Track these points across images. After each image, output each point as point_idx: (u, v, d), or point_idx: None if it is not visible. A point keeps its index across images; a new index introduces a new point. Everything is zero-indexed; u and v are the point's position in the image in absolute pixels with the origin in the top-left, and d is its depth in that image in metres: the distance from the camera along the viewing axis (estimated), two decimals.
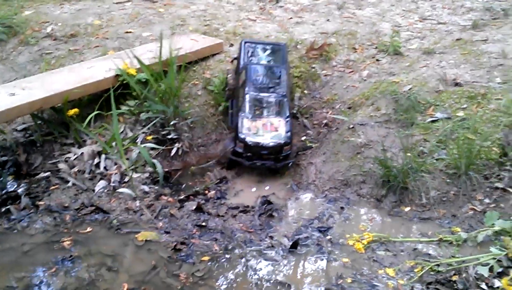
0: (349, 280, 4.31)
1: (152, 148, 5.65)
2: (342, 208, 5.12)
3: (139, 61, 5.80)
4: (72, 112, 5.71)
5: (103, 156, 5.65)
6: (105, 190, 5.38)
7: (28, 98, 5.43)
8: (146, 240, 4.78)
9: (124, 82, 5.87)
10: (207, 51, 6.64)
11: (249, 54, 6.04)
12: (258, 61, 5.98)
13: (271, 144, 5.38)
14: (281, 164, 5.56)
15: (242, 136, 5.40)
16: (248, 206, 5.23)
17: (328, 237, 4.78)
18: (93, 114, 5.69)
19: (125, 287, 4.23)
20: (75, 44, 7.19)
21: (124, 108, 5.83)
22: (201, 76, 6.39)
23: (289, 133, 5.47)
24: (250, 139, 5.38)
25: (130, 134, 5.81)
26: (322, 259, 4.55)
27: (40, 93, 5.53)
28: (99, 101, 5.88)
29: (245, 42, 6.11)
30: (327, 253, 4.61)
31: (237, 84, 5.99)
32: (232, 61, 6.59)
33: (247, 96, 5.55)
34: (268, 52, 6.06)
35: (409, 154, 5.20)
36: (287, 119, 5.51)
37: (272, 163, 5.50)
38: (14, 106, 5.31)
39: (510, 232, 4.41)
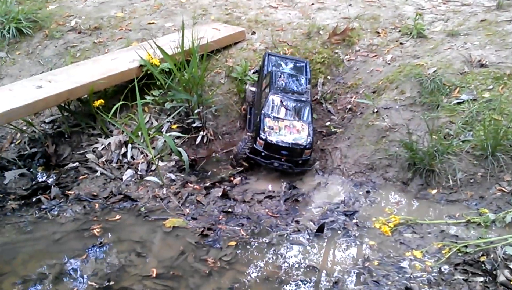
0: (376, 263, 4.33)
1: (177, 137, 5.72)
2: (368, 192, 5.13)
3: (162, 51, 5.84)
4: (98, 103, 5.79)
5: (129, 145, 5.73)
6: (133, 179, 5.47)
7: (55, 90, 5.54)
8: (173, 227, 4.85)
9: (148, 72, 5.93)
10: (229, 40, 6.67)
11: (272, 64, 5.89)
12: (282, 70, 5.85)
13: (292, 145, 5.23)
14: (298, 169, 5.40)
15: (263, 134, 5.24)
16: (273, 192, 5.26)
17: (354, 220, 4.80)
18: (118, 105, 5.77)
19: (154, 272, 4.31)
20: (99, 37, 7.27)
21: (148, 98, 5.89)
22: (223, 65, 6.42)
23: (310, 138, 5.31)
24: (271, 137, 5.24)
25: (155, 123, 5.88)
26: (349, 243, 4.58)
27: (66, 85, 5.63)
28: (124, 91, 5.97)
29: (269, 54, 5.99)
30: (354, 236, 4.63)
31: (260, 89, 5.89)
32: (254, 73, 6.38)
33: (270, 97, 5.42)
34: (291, 65, 5.96)
35: (435, 136, 5.19)
36: (310, 124, 5.39)
37: (289, 166, 5.32)
38: (41, 98, 5.41)
39: None
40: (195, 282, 4.26)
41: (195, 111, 5.82)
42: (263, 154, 5.25)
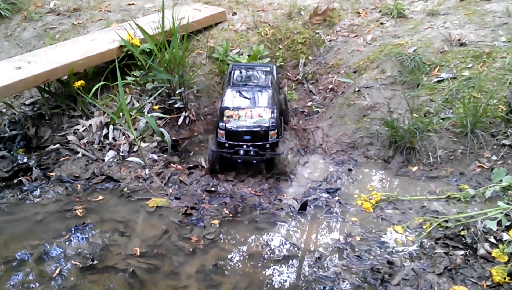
0: (358, 238, 4.39)
1: (159, 118, 5.72)
2: (350, 170, 5.18)
3: (143, 31, 5.81)
4: (78, 84, 5.75)
5: (111, 126, 5.72)
6: (115, 160, 5.46)
7: (34, 71, 5.49)
8: (156, 206, 4.87)
9: (129, 52, 5.90)
10: (210, 20, 6.65)
11: (237, 74, 5.43)
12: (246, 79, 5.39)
13: (254, 128, 4.89)
14: (267, 153, 4.98)
15: (222, 123, 4.93)
16: (256, 171, 5.27)
17: (337, 198, 4.85)
18: (99, 85, 5.74)
19: (137, 250, 4.33)
20: (78, 18, 7.22)
21: (129, 79, 5.87)
22: (205, 45, 6.41)
23: (274, 119, 4.92)
24: (230, 125, 4.92)
25: (136, 104, 5.87)
26: (331, 219, 4.62)
27: (46, 66, 5.59)
28: (105, 73, 5.94)
29: (233, 65, 5.58)
30: (336, 213, 4.68)
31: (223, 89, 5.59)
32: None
33: (228, 90, 5.12)
34: (256, 69, 5.53)
35: (415, 114, 5.24)
36: (273, 108, 4.98)
37: (256, 151, 4.93)
38: (20, 79, 5.36)
39: None
40: (179, 260, 4.29)
41: (177, 92, 5.80)
42: (226, 145, 4.96)
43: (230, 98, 5.05)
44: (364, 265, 4.13)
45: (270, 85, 5.17)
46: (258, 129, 4.87)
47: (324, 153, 5.43)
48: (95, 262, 4.28)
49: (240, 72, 5.40)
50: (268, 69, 5.49)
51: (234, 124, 4.91)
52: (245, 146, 4.93)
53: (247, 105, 5.00)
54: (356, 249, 4.27)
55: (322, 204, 4.78)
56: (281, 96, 5.63)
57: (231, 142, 4.93)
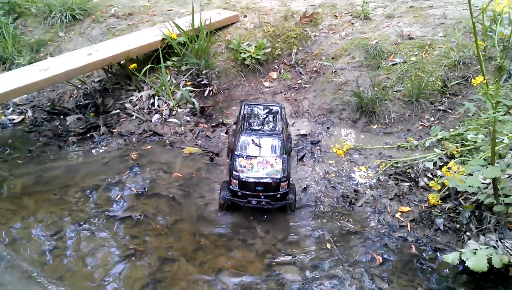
0: (333, 175, 4.44)
1: (191, 91, 5.71)
2: (328, 128, 5.20)
3: (179, 28, 5.79)
4: (132, 66, 5.74)
5: (156, 97, 5.71)
6: (159, 121, 5.48)
7: (101, 56, 5.47)
8: (190, 153, 4.92)
9: (168, 44, 5.87)
10: (227, 21, 6.58)
11: (247, 111, 4.63)
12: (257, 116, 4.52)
13: (266, 179, 3.90)
14: (278, 204, 3.97)
15: (236, 173, 3.96)
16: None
17: (318, 147, 4.88)
18: (147, 67, 5.72)
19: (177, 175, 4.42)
20: (132, 20, 7.15)
21: (169, 63, 5.85)
22: (223, 39, 6.36)
23: (285, 170, 3.96)
24: (244, 175, 3.94)
25: (174, 81, 5.85)
26: (314, 162, 4.66)
27: (109, 52, 5.57)
28: (151, 58, 5.92)
29: (245, 104, 4.75)
30: (318, 157, 4.72)
31: (235, 136, 4.51)
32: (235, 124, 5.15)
33: (241, 137, 4.14)
34: (265, 110, 4.62)
35: (376, 88, 5.23)
36: (284, 157, 4.04)
37: (268, 201, 3.92)
38: (91, 62, 5.36)
39: (449, 139, 4.48)
40: (206, 189, 4.38)
41: (203, 72, 5.79)
42: (239, 193, 3.98)
43: (244, 145, 4.11)
44: (337, 193, 4.19)
45: (281, 131, 4.22)
46: (270, 181, 3.90)
47: (309, 116, 5.43)
48: (146, 190, 4.36)
49: (252, 117, 4.45)
50: (277, 109, 4.62)
51: (247, 174, 3.93)
52: (258, 197, 3.96)
53: (260, 154, 4.07)
54: (332, 182, 4.33)
55: (308, 151, 4.82)
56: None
57: (243, 192, 3.96)
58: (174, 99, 5.61)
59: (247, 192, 3.94)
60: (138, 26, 6.95)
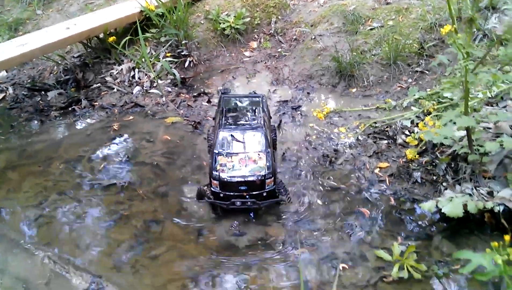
0: (314, 137, 4.50)
1: (171, 62, 5.68)
2: (308, 93, 5.23)
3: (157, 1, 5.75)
4: (111, 39, 5.70)
5: (136, 70, 5.68)
6: (140, 92, 5.47)
7: (78, 29, 5.43)
8: (172, 122, 4.92)
9: (147, 16, 5.83)
10: None
11: (226, 104, 4.21)
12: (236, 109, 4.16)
13: (250, 177, 3.50)
14: (265, 203, 3.59)
15: (216, 173, 3.54)
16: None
17: (299, 112, 4.92)
18: (126, 39, 5.66)
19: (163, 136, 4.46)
20: None
21: (148, 35, 5.81)
22: (202, 10, 6.32)
23: (270, 165, 3.58)
24: (224, 175, 3.52)
25: (154, 53, 5.81)
26: (296, 125, 4.71)
27: (87, 25, 5.52)
28: (130, 31, 5.87)
29: (222, 94, 4.42)
30: (299, 121, 4.76)
31: (214, 126, 4.18)
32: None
33: (220, 133, 3.75)
34: (246, 102, 4.26)
35: (354, 53, 5.27)
36: (268, 151, 3.66)
37: (253, 201, 3.54)
38: (69, 35, 5.33)
39: (425, 98, 4.54)
40: (189, 156, 4.40)
41: (183, 43, 5.77)
42: (221, 195, 3.57)
43: (223, 141, 3.71)
44: (318, 153, 4.26)
45: (263, 124, 3.87)
46: (255, 179, 3.51)
47: (290, 83, 5.46)
48: (130, 158, 4.38)
49: (231, 109, 4.09)
50: (258, 100, 4.27)
51: (228, 174, 3.54)
52: (242, 197, 3.56)
53: (241, 150, 3.67)
54: (313, 143, 4.39)
55: (289, 116, 4.86)
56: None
57: (226, 193, 3.56)
58: (154, 71, 5.58)
59: (230, 193, 3.54)
60: (116, 1, 6.86)
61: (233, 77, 5.71)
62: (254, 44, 6.21)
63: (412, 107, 4.46)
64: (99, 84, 5.66)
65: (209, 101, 5.27)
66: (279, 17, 6.45)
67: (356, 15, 5.75)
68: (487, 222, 3.15)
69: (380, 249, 3.19)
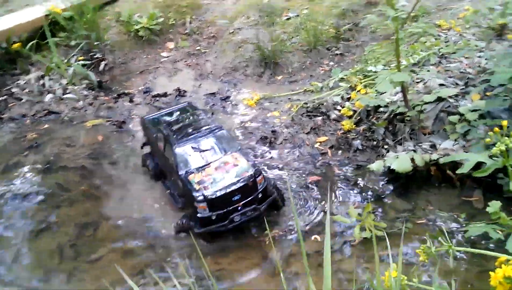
0: (248, 123, 4.35)
1: (84, 65, 5.23)
2: (235, 84, 5.09)
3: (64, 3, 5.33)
4: (16, 46, 5.15)
5: (46, 78, 5.18)
6: (53, 100, 4.97)
7: None
8: (93, 125, 4.53)
9: (54, 20, 5.37)
10: None
11: (156, 125, 3.62)
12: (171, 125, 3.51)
13: (240, 183, 2.97)
14: (264, 205, 3.05)
15: (198, 194, 2.91)
16: (166, 93, 5.02)
17: (229, 102, 4.76)
18: (33, 42, 5.17)
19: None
20: (8, 7, 6.42)
21: (57, 39, 5.34)
22: (113, 13, 5.96)
23: (252, 161, 3.18)
24: (210, 191, 2.93)
25: (64, 58, 5.34)
26: (228, 114, 4.53)
27: None
28: (36, 36, 5.35)
29: (145, 120, 3.78)
30: (230, 111, 4.59)
31: (161, 158, 3.46)
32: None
33: (176, 151, 3.14)
34: (176, 113, 3.73)
35: (275, 42, 5.22)
36: (240, 149, 3.27)
37: (253, 208, 2.99)
38: None
39: (351, 75, 4.57)
40: (117, 155, 4.03)
41: (95, 44, 5.39)
42: (213, 217, 2.93)
43: (184, 159, 3.13)
44: (255, 136, 4.11)
45: (217, 124, 3.43)
46: (246, 182, 2.98)
47: (214, 77, 5.28)
48: (51, 165, 3.92)
49: (171, 123, 3.50)
50: (186, 105, 3.89)
51: (214, 188, 2.94)
52: (239, 209, 2.97)
53: (210, 158, 3.14)
54: (249, 129, 4.24)
55: (219, 107, 4.67)
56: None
57: (219, 212, 2.94)
58: (66, 77, 5.11)
59: (224, 210, 2.94)
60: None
61: (153, 77, 5.42)
62: (171, 45, 5.97)
63: (341, 83, 4.47)
64: (5, 97, 5.07)
65: (131, 101, 4.93)
66: (194, 16, 6.27)
67: (271, 7, 5.75)
68: (433, 175, 3.16)
69: (337, 215, 3.07)
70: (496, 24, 4.16)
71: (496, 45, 3.87)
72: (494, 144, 1.56)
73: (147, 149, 3.81)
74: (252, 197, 3.00)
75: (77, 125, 4.54)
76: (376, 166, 3.13)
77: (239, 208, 2.98)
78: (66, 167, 3.88)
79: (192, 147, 3.17)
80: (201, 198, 2.90)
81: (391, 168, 3.04)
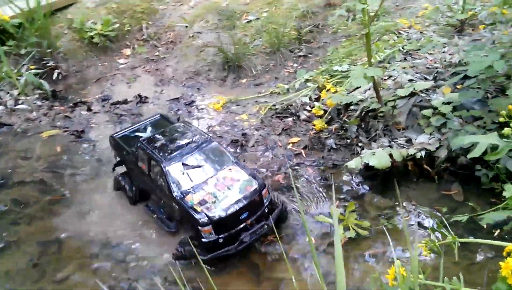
0: (216, 127, 4.19)
1: (36, 74, 4.90)
2: (198, 89, 4.92)
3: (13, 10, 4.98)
4: None
5: None
6: (4, 112, 4.60)
7: None
8: (49, 136, 4.23)
9: (1, 27, 5.00)
10: (64, 2, 5.86)
11: (129, 142, 3.32)
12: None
13: (246, 199, 2.74)
14: (273, 217, 2.81)
15: (200, 216, 2.65)
16: (126, 100, 4.78)
17: (193, 107, 4.59)
18: None
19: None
20: None
21: (5, 48, 4.95)
22: (64, 19, 5.65)
23: (253, 173, 2.95)
24: (215, 211, 2.67)
25: (14, 68, 4.98)
26: (195, 119, 4.35)
27: None
28: None
29: (114, 138, 3.43)
30: (196, 115, 4.43)
31: (139, 173, 3.14)
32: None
33: (167, 170, 2.82)
34: (149, 128, 3.48)
35: (237, 46, 5.10)
36: (237, 161, 3.04)
37: (263, 225, 2.76)
38: None
39: (315, 76, 4.52)
40: (77, 165, 3.76)
41: (47, 52, 5.07)
42: (220, 240, 2.68)
43: (178, 178, 2.83)
44: (226, 140, 3.96)
45: (205, 134, 3.16)
46: (253, 197, 2.77)
47: (176, 82, 5.09)
48: (5, 180, 3.60)
49: (152, 140, 3.10)
50: (159, 117, 3.63)
51: (218, 209, 2.68)
52: (247, 227, 2.75)
53: (207, 175, 2.87)
54: (218, 133, 4.08)
55: (184, 112, 4.49)
56: None
57: (226, 233, 2.69)
58: (17, 88, 4.76)
59: (231, 231, 2.69)
60: None
61: (111, 84, 5.16)
62: (127, 51, 5.73)
63: (308, 84, 4.41)
64: None
65: (89, 109, 4.67)
66: (150, 22, 6.07)
67: (230, 10, 5.64)
68: (411, 170, 3.13)
69: (320, 215, 2.97)
70: (456, 20, 4.24)
71: (458, 40, 3.93)
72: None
73: (120, 170, 3.42)
74: (259, 212, 2.77)
75: (32, 137, 4.22)
76: (354, 163, 3.05)
77: (248, 226, 2.70)
78: (23, 182, 3.57)
79: (183, 164, 2.85)
80: (204, 220, 2.62)
81: (370, 164, 2.97)
